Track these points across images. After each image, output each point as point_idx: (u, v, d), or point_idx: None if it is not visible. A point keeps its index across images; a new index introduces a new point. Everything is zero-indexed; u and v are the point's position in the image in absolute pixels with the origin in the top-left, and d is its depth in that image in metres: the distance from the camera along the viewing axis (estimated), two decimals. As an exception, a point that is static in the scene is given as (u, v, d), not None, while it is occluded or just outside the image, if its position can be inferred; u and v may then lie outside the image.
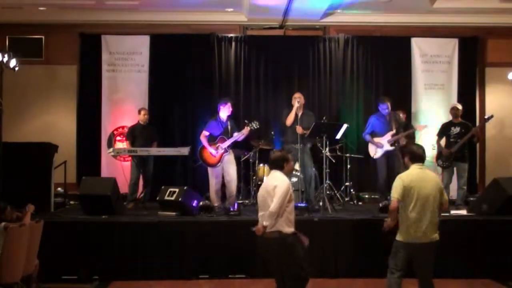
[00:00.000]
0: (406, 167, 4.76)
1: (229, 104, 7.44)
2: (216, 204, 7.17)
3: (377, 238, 6.26)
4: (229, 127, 7.39)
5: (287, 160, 4.63)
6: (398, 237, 4.59)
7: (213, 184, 7.34)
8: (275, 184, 4.40)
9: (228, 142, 7.25)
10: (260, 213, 4.54)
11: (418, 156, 4.64)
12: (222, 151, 7.24)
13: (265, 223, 4.35)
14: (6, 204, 5.17)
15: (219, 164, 7.27)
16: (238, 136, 7.31)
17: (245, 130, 7.30)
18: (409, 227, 4.50)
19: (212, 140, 7.35)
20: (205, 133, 7.39)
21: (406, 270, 4.56)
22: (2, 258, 4.63)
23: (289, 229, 4.39)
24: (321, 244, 6.27)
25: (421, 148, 4.77)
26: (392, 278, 4.56)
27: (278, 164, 4.59)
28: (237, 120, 8.48)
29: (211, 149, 7.25)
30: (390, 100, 7.78)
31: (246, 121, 7.56)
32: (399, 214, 4.57)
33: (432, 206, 4.50)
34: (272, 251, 4.39)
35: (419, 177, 4.54)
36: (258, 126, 7.41)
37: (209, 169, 7.38)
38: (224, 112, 7.40)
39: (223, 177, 7.41)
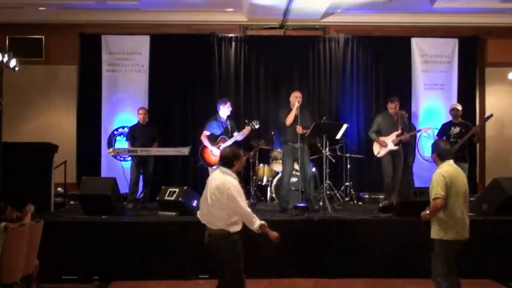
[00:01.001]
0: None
1: (228, 104, 7.44)
2: None
3: (377, 238, 6.31)
4: (229, 126, 7.40)
5: (238, 157, 4.48)
6: (445, 236, 4.49)
7: None
8: (229, 186, 4.23)
9: (229, 142, 7.25)
10: (203, 210, 4.42)
11: (449, 153, 4.69)
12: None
13: (255, 227, 4.23)
14: (6, 204, 5.17)
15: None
16: (238, 135, 7.31)
17: (246, 130, 7.31)
18: (457, 224, 4.49)
19: (213, 140, 7.34)
20: (206, 133, 7.39)
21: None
22: (2, 258, 4.63)
23: (234, 228, 4.28)
24: (321, 244, 6.28)
25: (449, 144, 4.82)
26: (455, 284, 4.52)
27: (228, 162, 4.43)
28: (237, 120, 8.50)
29: (213, 148, 7.24)
30: (399, 100, 7.80)
31: (246, 120, 7.56)
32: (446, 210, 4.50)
33: (467, 202, 4.59)
34: (217, 249, 4.31)
35: (455, 173, 4.56)
36: (258, 126, 7.42)
37: (210, 170, 7.38)
38: (224, 111, 7.41)
39: None
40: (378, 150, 7.77)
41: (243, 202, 4.26)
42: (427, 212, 4.56)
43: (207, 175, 7.51)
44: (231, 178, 4.34)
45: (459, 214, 4.50)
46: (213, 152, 7.29)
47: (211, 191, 4.33)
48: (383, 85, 9.43)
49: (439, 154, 4.67)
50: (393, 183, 7.59)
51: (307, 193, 7.28)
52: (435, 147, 4.77)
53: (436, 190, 4.44)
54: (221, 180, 4.31)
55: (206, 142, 7.31)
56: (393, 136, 7.62)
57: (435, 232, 4.56)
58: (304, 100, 7.56)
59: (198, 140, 9.14)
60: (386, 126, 7.74)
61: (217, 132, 7.37)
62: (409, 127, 8.02)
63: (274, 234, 4.32)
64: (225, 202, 4.24)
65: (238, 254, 4.31)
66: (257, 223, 4.25)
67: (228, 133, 7.34)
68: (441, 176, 4.48)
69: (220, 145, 7.27)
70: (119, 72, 9.29)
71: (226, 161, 4.45)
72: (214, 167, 7.30)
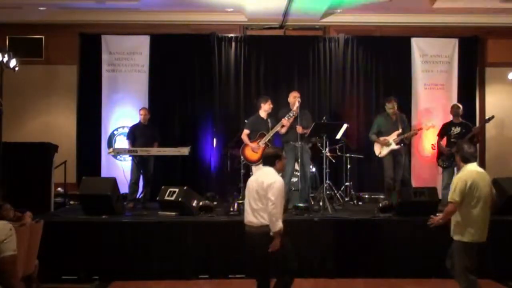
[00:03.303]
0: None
1: (269, 101, 7.38)
2: None
3: (377, 238, 6.32)
4: (269, 124, 7.32)
5: (280, 157, 4.63)
6: (463, 238, 4.60)
7: None
8: (270, 182, 4.38)
9: (268, 136, 7.18)
10: (248, 211, 4.53)
11: (473, 155, 4.68)
12: (263, 146, 7.17)
13: (277, 229, 4.35)
14: (3, 201, 5.15)
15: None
16: (278, 128, 7.21)
17: (285, 121, 7.16)
18: (476, 227, 4.54)
19: (252, 137, 7.26)
20: (246, 131, 7.32)
21: None
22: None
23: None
24: (321, 244, 6.28)
25: (473, 147, 4.82)
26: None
27: (270, 161, 4.59)
28: (237, 120, 8.50)
29: (253, 145, 7.18)
30: (397, 100, 7.83)
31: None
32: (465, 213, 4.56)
33: (488, 205, 4.61)
34: (261, 246, 4.38)
35: (478, 177, 4.58)
36: (296, 115, 7.21)
37: (253, 168, 7.30)
38: (265, 109, 7.34)
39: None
40: (379, 150, 7.78)
41: (278, 202, 4.34)
42: (439, 216, 4.64)
43: (206, 175, 7.51)
44: (276, 174, 4.49)
45: (480, 217, 4.55)
46: (254, 149, 7.21)
47: (255, 190, 4.44)
48: (383, 85, 9.43)
49: (463, 157, 4.67)
50: (394, 183, 7.61)
51: (305, 193, 7.27)
52: (459, 149, 4.75)
53: (452, 195, 4.50)
54: (267, 178, 4.43)
55: (246, 140, 7.26)
56: (394, 135, 7.63)
57: (456, 234, 4.61)
58: (303, 100, 7.56)
59: (198, 140, 9.18)
60: (386, 127, 7.75)
61: (257, 129, 7.29)
62: (409, 126, 8.03)
63: (275, 244, 4.37)
64: (267, 198, 4.35)
65: (282, 249, 4.40)
66: (277, 227, 4.34)
67: (268, 131, 7.25)
68: (463, 181, 4.51)
69: (259, 141, 7.20)
70: (119, 72, 9.28)
71: (268, 160, 4.60)
72: (257, 164, 7.19)
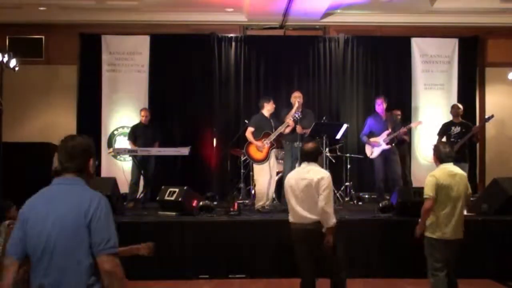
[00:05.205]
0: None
1: (272, 101, 7.37)
2: (260, 203, 7.06)
3: (377, 238, 6.31)
4: (272, 123, 7.31)
5: (321, 152, 4.64)
6: (430, 235, 4.64)
7: (264, 181, 7.13)
8: (320, 177, 4.34)
9: (273, 136, 7.17)
10: (298, 207, 4.44)
11: (448, 155, 4.68)
12: (268, 145, 7.14)
13: (331, 224, 4.34)
14: (11, 203, 5.15)
15: (267, 159, 7.15)
16: (282, 128, 7.18)
17: (291, 122, 7.15)
18: (443, 225, 4.55)
19: (256, 136, 7.23)
20: (250, 129, 7.28)
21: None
22: (3, 257, 4.62)
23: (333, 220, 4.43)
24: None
25: (449, 146, 4.82)
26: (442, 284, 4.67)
27: (314, 156, 4.53)
28: (237, 121, 8.46)
29: (258, 143, 7.16)
30: (385, 98, 7.89)
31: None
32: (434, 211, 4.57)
33: (462, 205, 4.61)
34: (317, 243, 4.38)
35: (449, 176, 4.57)
36: (300, 116, 7.20)
37: (256, 167, 7.27)
38: (268, 109, 7.32)
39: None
40: (370, 151, 7.81)
41: (330, 197, 4.34)
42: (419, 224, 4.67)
43: (207, 175, 7.44)
44: (323, 170, 4.49)
45: (448, 215, 4.53)
46: (259, 148, 7.19)
47: (301, 187, 4.39)
48: (383, 85, 9.43)
49: (438, 157, 4.70)
50: (394, 183, 7.61)
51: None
52: (435, 149, 4.79)
53: (425, 191, 4.55)
54: (316, 173, 4.39)
55: (250, 138, 7.23)
56: (384, 135, 7.65)
57: (426, 231, 4.64)
58: (305, 100, 7.55)
59: (197, 140, 9.16)
60: (377, 127, 7.78)
61: (262, 128, 7.27)
62: (401, 126, 8.03)
63: (329, 240, 4.38)
64: (319, 194, 4.32)
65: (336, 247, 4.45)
66: (331, 222, 4.34)
67: (272, 130, 7.22)
68: (432, 177, 4.56)
69: (264, 140, 7.18)
70: (119, 72, 9.28)
71: (312, 155, 4.52)
72: (261, 163, 7.18)
